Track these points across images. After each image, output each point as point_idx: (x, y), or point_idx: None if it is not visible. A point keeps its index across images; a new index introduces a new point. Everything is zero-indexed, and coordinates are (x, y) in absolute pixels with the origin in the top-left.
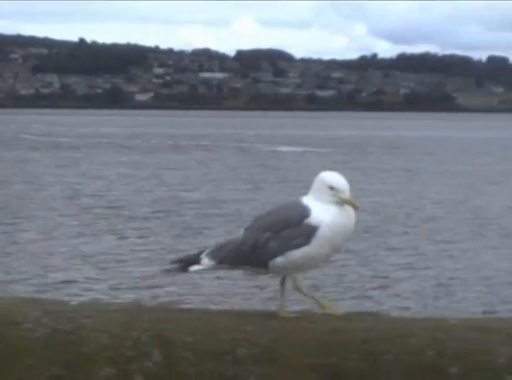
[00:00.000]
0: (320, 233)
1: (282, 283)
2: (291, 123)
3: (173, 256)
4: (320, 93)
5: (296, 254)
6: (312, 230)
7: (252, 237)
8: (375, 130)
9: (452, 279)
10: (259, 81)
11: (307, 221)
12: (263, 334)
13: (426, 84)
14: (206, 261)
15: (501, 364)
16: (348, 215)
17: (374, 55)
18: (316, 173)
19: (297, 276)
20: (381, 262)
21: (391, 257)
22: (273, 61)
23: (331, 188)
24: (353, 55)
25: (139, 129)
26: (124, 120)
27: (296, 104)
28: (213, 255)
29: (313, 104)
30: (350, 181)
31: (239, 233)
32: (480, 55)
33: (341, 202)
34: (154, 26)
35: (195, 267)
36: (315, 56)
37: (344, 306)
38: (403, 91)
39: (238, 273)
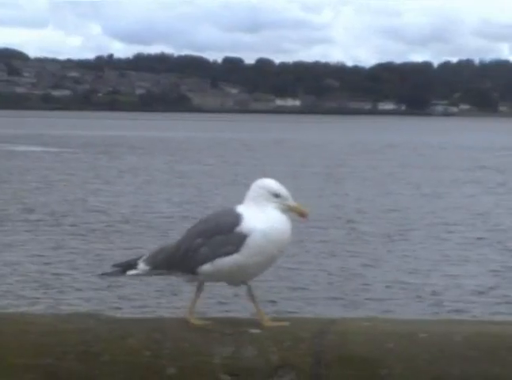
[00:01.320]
0: (250, 241)
1: (199, 289)
2: (26, 122)
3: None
4: (56, 93)
5: (224, 261)
6: (242, 238)
7: (184, 243)
8: (111, 130)
9: None
10: None
11: (237, 228)
12: None
13: (161, 84)
14: (142, 266)
15: (216, 364)
16: (285, 224)
17: (110, 55)
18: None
19: (251, 284)
20: None
21: None
22: (8, 60)
23: (276, 195)
24: (89, 55)
25: None
26: None
27: (31, 103)
28: (149, 260)
29: (49, 103)
30: (84, 182)
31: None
32: (216, 56)
33: (287, 209)
34: None
35: (131, 272)
36: (50, 56)
37: None
38: (139, 91)
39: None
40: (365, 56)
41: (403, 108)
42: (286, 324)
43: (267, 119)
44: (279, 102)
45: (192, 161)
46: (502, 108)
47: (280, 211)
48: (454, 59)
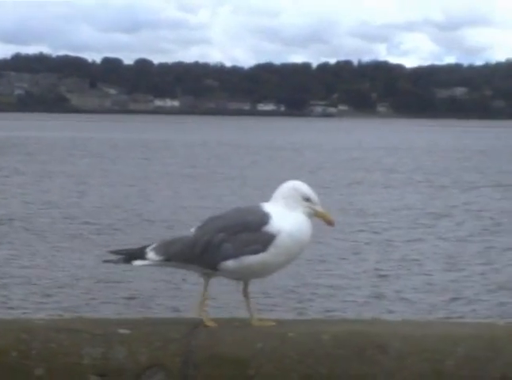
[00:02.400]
0: (278, 241)
1: (245, 292)
2: None
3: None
4: None
5: (251, 260)
6: (270, 238)
7: (205, 237)
8: None
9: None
10: None
11: (265, 227)
12: None
13: (40, 85)
14: (152, 256)
15: (86, 365)
16: (308, 227)
17: None
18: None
19: (248, 282)
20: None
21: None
22: None
23: (307, 199)
24: None
25: None
26: None
27: None
28: (161, 250)
29: None
30: None
31: (190, 231)
32: (94, 57)
33: (314, 214)
34: None
35: (139, 262)
36: None
37: None
38: (17, 92)
39: (185, 272)
40: (244, 57)
41: (282, 108)
42: (273, 324)
43: (145, 120)
44: (158, 103)
45: (61, 162)
46: (380, 109)
47: (306, 215)
48: (333, 60)
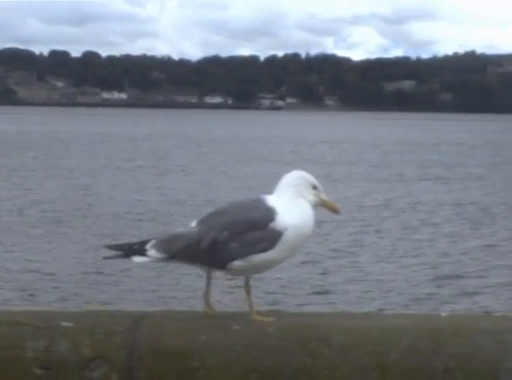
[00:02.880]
0: (285, 237)
1: (247, 287)
2: None
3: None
4: None
5: (259, 258)
6: (277, 235)
7: (210, 236)
8: None
9: None
10: None
11: (272, 224)
12: None
13: None
14: (153, 253)
15: (29, 358)
16: (312, 219)
17: None
18: None
19: (250, 276)
20: None
21: None
22: None
23: (314, 187)
24: None
25: None
26: None
27: None
28: (162, 248)
29: None
30: None
31: (191, 226)
32: (42, 49)
33: (320, 203)
34: None
35: (140, 259)
36: None
37: None
38: None
39: (188, 267)
40: (192, 50)
41: (230, 101)
42: (272, 319)
43: (93, 113)
44: (105, 95)
45: (5, 155)
46: (328, 102)
47: (311, 204)
48: (280, 53)
